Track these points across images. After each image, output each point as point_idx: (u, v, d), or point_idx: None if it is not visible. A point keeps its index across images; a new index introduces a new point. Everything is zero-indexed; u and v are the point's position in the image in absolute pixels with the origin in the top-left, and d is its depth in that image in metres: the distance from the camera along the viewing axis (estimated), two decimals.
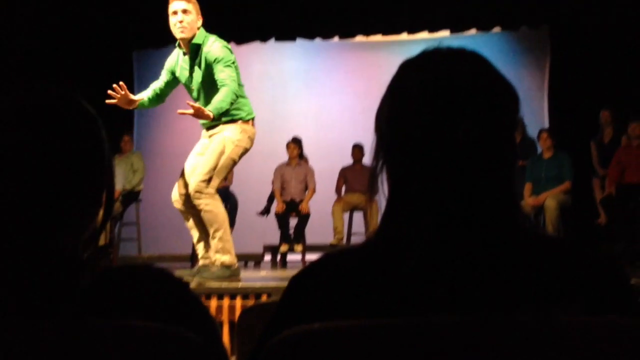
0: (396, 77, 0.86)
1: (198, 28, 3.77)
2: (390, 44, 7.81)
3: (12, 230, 0.79)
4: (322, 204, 6.61)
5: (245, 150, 3.86)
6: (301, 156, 6.75)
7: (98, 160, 0.85)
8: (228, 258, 3.82)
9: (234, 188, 6.63)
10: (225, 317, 3.52)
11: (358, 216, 6.80)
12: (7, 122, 0.80)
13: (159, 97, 4.00)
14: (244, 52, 6.62)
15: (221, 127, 3.82)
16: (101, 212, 0.88)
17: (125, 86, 3.68)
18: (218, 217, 3.77)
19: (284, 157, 6.79)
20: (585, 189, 6.08)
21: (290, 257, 6.61)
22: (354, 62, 8.26)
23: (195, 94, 3.85)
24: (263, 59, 8.08)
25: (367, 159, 6.46)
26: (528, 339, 0.71)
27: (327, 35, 7.61)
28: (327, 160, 7.11)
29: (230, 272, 3.82)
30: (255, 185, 7.15)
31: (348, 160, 6.92)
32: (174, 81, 3.96)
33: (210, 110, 3.53)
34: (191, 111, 3.52)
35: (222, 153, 3.77)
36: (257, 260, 6.78)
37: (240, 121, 3.82)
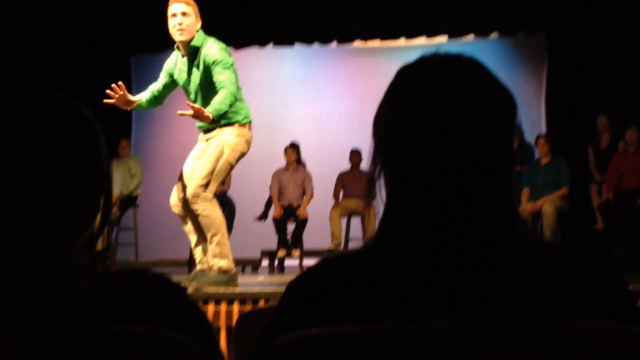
0: (394, 82, 0.87)
1: (197, 31, 3.78)
2: (388, 50, 7.83)
3: (9, 235, 0.78)
4: (319, 209, 6.61)
5: (242, 154, 3.87)
6: (299, 161, 6.75)
7: (96, 165, 0.85)
8: (225, 263, 3.82)
9: (232, 193, 6.63)
10: (222, 323, 3.51)
11: (356, 221, 6.80)
12: (5, 126, 0.80)
13: (157, 99, 4.00)
14: (242, 57, 6.62)
15: (218, 130, 3.82)
16: (99, 217, 0.88)
17: (123, 86, 3.68)
18: (216, 222, 3.77)
19: (281, 162, 6.79)
20: (583, 194, 6.10)
21: (288, 262, 6.60)
22: (352, 68, 8.27)
23: (192, 96, 3.85)
24: (261, 64, 8.09)
25: (364, 165, 6.47)
26: (526, 344, 0.71)
27: (325, 40, 7.63)
28: (325, 166, 7.11)
29: (227, 277, 3.82)
30: (253, 190, 7.15)
31: (346, 166, 6.93)
32: (172, 84, 3.97)
33: (209, 111, 3.54)
34: (191, 112, 3.52)
35: (219, 157, 3.77)
36: (255, 266, 6.77)
37: (237, 124, 3.82)
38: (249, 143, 3.88)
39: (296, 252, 6.44)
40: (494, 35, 7.48)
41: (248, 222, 6.65)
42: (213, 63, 3.68)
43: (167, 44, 4.06)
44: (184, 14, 3.72)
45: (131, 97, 3.78)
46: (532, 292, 0.78)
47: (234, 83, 3.67)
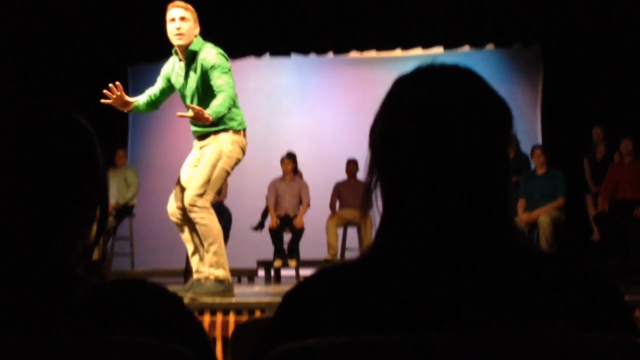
0: (390, 93, 0.87)
1: (195, 36, 3.80)
2: (384, 60, 7.85)
3: (5, 243, 0.78)
4: (316, 219, 6.60)
5: (238, 161, 3.88)
6: (295, 171, 6.75)
7: (93, 175, 0.85)
8: (222, 272, 3.81)
9: (228, 203, 6.62)
10: (218, 333, 3.49)
11: (352, 231, 6.80)
12: (2, 135, 0.80)
13: (154, 104, 4.02)
14: (238, 67, 6.61)
15: (212, 137, 3.83)
16: (95, 227, 0.88)
17: (120, 86, 3.69)
18: (213, 231, 3.76)
19: (278, 172, 6.79)
20: (579, 205, 6.11)
21: (284, 272, 6.59)
22: (348, 78, 8.29)
23: (189, 100, 3.86)
24: (258, 74, 8.11)
25: (361, 175, 6.47)
26: (523, 355, 0.70)
27: (321, 50, 7.65)
28: (322, 176, 7.11)
29: (223, 287, 3.81)
30: (249, 200, 7.14)
31: (342, 176, 6.93)
32: (169, 88, 3.99)
33: (209, 113, 3.55)
34: (191, 113, 3.54)
35: (215, 165, 3.78)
36: (251, 276, 6.75)
37: (231, 131, 3.83)
38: (244, 150, 3.89)
39: (292, 262, 6.43)
40: (490, 47, 7.52)
41: (244, 232, 6.63)
42: (211, 67, 3.70)
43: (165, 53, 4.07)
44: (182, 18, 3.74)
45: (128, 98, 3.79)
46: (529, 302, 0.78)
47: (232, 87, 3.70)
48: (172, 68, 3.94)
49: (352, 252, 6.71)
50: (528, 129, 7.33)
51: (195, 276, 3.90)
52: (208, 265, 3.80)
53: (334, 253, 6.55)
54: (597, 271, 0.83)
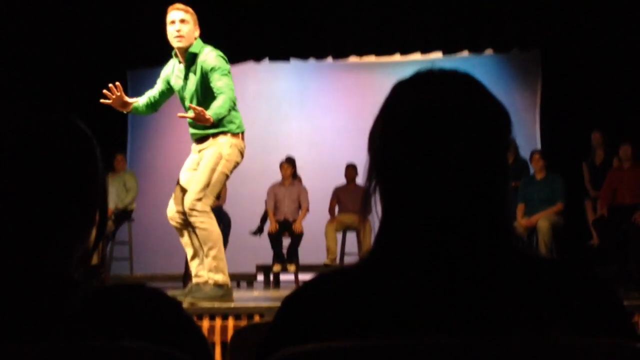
0: (389, 97, 0.87)
1: (195, 38, 3.80)
2: (383, 65, 7.86)
3: (4, 249, 0.78)
4: (315, 224, 6.59)
5: (237, 164, 3.88)
6: (295, 176, 6.75)
7: (92, 180, 0.85)
8: (221, 277, 3.80)
9: (227, 207, 6.62)
10: (217, 338, 3.49)
11: (351, 236, 6.79)
12: (1, 142, 0.80)
13: (153, 106, 4.02)
14: (238, 72, 6.59)
15: (211, 140, 3.83)
16: (94, 231, 0.88)
17: (120, 87, 3.70)
18: (212, 235, 3.76)
19: (277, 176, 6.79)
20: (578, 210, 6.11)
21: (283, 277, 6.57)
22: (347, 83, 8.30)
23: (188, 102, 3.87)
24: (257, 79, 8.12)
25: (360, 179, 6.47)
26: None
27: (320, 55, 7.66)
28: (321, 180, 7.11)
29: (223, 292, 3.80)
30: (248, 204, 7.14)
31: (341, 180, 6.93)
32: (168, 91, 3.99)
33: (209, 115, 3.55)
34: (192, 114, 3.54)
35: (214, 169, 3.78)
36: (250, 280, 6.75)
37: (230, 134, 3.83)
38: (242, 153, 3.90)
39: (292, 267, 6.42)
40: (488, 52, 7.53)
41: (243, 237, 6.63)
42: (211, 70, 3.71)
43: (164, 57, 4.08)
44: (182, 21, 3.75)
45: (128, 99, 3.80)
46: (528, 307, 0.78)
47: (232, 89, 3.71)
48: (172, 70, 3.95)
49: (351, 256, 6.70)
50: (527, 134, 7.34)
51: (194, 281, 3.89)
52: (208, 270, 3.80)
53: (333, 258, 6.54)
54: (596, 276, 0.83)
